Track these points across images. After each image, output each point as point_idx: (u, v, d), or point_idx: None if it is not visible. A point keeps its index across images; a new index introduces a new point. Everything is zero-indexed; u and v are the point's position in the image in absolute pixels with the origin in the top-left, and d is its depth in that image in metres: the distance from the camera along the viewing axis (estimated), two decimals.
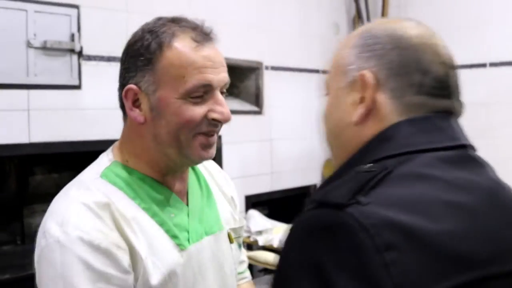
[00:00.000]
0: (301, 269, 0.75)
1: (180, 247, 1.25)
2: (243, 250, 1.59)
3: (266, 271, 3.28)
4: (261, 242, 2.96)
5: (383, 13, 4.21)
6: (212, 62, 1.21)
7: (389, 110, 0.89)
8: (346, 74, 0.94)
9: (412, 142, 0.86)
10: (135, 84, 1.22)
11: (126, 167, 1.26)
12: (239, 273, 1.55)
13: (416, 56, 0.90)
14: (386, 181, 0.79)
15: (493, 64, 3.70)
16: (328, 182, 0.91)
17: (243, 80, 3.68)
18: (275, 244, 2.89)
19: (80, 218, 1.14)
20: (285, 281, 0.78)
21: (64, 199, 1.20)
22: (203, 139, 1.23)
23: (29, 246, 2.81)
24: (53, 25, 2.54)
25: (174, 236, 1.25)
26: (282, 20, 3.81)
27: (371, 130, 0.90)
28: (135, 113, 1.23)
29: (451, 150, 0.87)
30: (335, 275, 0.71)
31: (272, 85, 3.73)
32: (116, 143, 1.32)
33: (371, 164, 0.83)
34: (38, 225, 3.00)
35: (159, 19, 1.27)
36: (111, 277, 1.13)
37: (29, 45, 2.46)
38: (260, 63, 3.64)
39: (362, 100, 0.91)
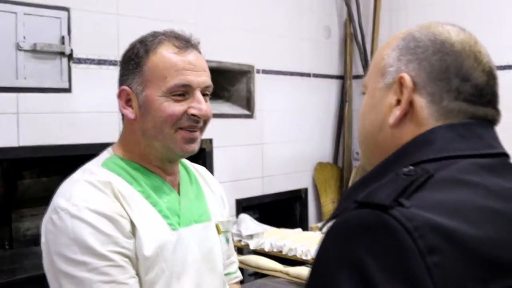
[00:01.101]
0: (341, 268, 0.75)
1: (172, 227, 1.40)
2: (234, 252, 1.67)
3: (256, 275, 3.27)
4: (252, 246, 2.95)
5: (375, 17, 4.21)
6: (192, 65, 1.39)
7: (427, 114, 0.90)
8: (384, 75, 0.95)
9: (452, 147, 0.86)
10: (127, 85, 1.41)
11: (123, 159, 1.43)
12: (231, 273, 1.63)
13: (457, 62, 0.90)
14: (427, 185, 0.79)
15: None
16: (363, 181, 0.92)
17: (234, 83, 3.68)
18: (267, 248, 2.88)
19: (85, 192, 1.31)
20: (323, 279, 0.78)
21: (69, 182, 1.37)
22: (185, 133, 1.39)
23: (18, 250, 2.79)
24: (43, 28, 2.52)
25: (166, 216, 1.40)
26: (273, 23, 3.81)
27: (407, 133, 0.91)
28: (127, 111, 1.41)
29: (489, 158, 0.87)
30: (377, 276, 0.71)
31: (263, 89, 3.73)
32: (115, 143, 1.49)
33: (412, 168, 0.83)
34: (26, 229, 2.99)
35: (153, 32, 1.45)
36: (118, 240, 1.29)
37: (18, 47, 2.44)
38: (251, 67, 3.64)
39: (398, 102, 0.92)
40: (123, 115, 1.45)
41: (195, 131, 1.41)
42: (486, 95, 0.92)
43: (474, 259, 0.72)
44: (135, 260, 1.32)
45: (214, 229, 1.53)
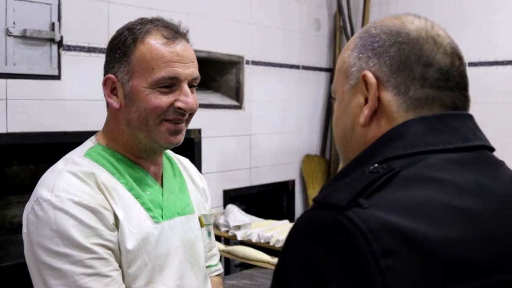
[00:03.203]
0: (297, 269, 0.74)
1: (154, 219, 1.39)
2: (216, 243, 1.67)
3: (242, 266, 3.27)
4: (239, 237, 2.96)
5: (365, 10, 4.22)
6: (180, 57, 1.36)
7: (395, 107, 0.88)
8: (349, 77, 0.94)
9: (423, 142, 0.84)
10: (113, 74, 1.38)
11: (107, 149, 1.41)
12: (213, 266, 1.63)
13: (416, 49, 0.88)
14: (392, 183, 0.77)
15: (472, 64, 3.74)
16: (333, 181, 0.89)
17: (224, 74, 3.67)
18: (254, 239, 2.89)
19: (68, 183, 1.28)
20: (282, 280, 0.77)
21: (52, 172, 1.34)
22: (170, 125, 1.37)
23: (4, 237, 2.78)
24: (33, 14, 2.50)
25: (148, 209, 1.38)
26: (264, 15, 3.80)
27: (380, 130, 0.89)
28: (112, 100, 1.39)
29: (463, 152, 0.84)
30: (329, 279, 0.69)
31: (252, 80, 3.73)
32: (99, 131, 1.47)
33: (377, 165, 0.81)
34: (13, 217, 2.96)
35: (141, 19, 1.42)
36: (101, 233, 1.27)
37: (8, 33, 2.42)
38: (241, 57, 3.63)
39: (367, 101, 0.90)
40: (107, 103, 1.42)
41: (180, 123, 1.39)
42: (453, 78, 0.89)
43: (433, 261, 0.70)
44: (118, 253, 1.30)
45: (197, 222, 1.52)
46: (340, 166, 1.04)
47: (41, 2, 2.52)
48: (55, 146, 2.74)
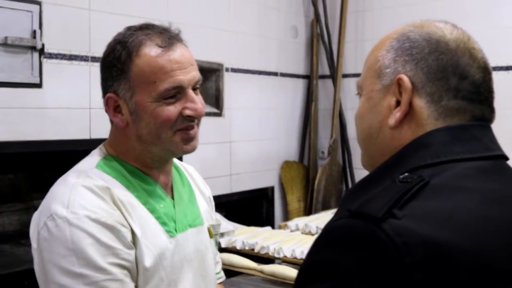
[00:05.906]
0: (327, 274, 0.75)
1: (169, 233, 1.35)
2: (218, 253, 1.65)
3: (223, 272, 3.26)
4: (223, 244, 2.95)
5: (341, 18, 4.26)
6: (180, 64, 1.32)
7: (426, 115, 0.90)
8: (381, 77, 0.95)
9: (449, 151, 0.86)
10: (114, 92, 1.33)
11: (118, 160, 1.37)
12: (216, 274, 1.61)
13: (454, 61, 0.90)
14: (422, 193, 0.79)
15: None
16: (363, 184, 0.92)
17: (204, 81, 3.64)
18: (238, 246, 2.88)
19: (84, 199, 1.23)
20: (308, 283, 0.78)
21: (64, 185, 1.28)
22: (184, 134, 1.34)
23: None
24: (14, 21, 2.46)
25: (164, 223, 1.35)
26: (242, 22, 3.81)
27: (407, 134, 0.91)
28: (118, 119, 1.34)
29: (486, 161, 0.87)
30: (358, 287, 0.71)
31: (232, 87, 3.73)
32: (106, 141, 1.41)
33: (407, 174, 0.83)
34: None
35: (129, 28, 1.36)
36: (118, 252, 1.22)
37: None
38: (220, 65, 3.63)
39: (397, 103, 0.92)
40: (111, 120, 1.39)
41: (192, 129, 1.36)
42: (484, 92, 0.92)
43: (464, 273, 0.72)
44: (134, 271, 1.26)
45: (206, 233, 1.50)
46: (361, 160, 1.04)
47: (22, 9, 2.49)
48: (35, 155, 2.70)
